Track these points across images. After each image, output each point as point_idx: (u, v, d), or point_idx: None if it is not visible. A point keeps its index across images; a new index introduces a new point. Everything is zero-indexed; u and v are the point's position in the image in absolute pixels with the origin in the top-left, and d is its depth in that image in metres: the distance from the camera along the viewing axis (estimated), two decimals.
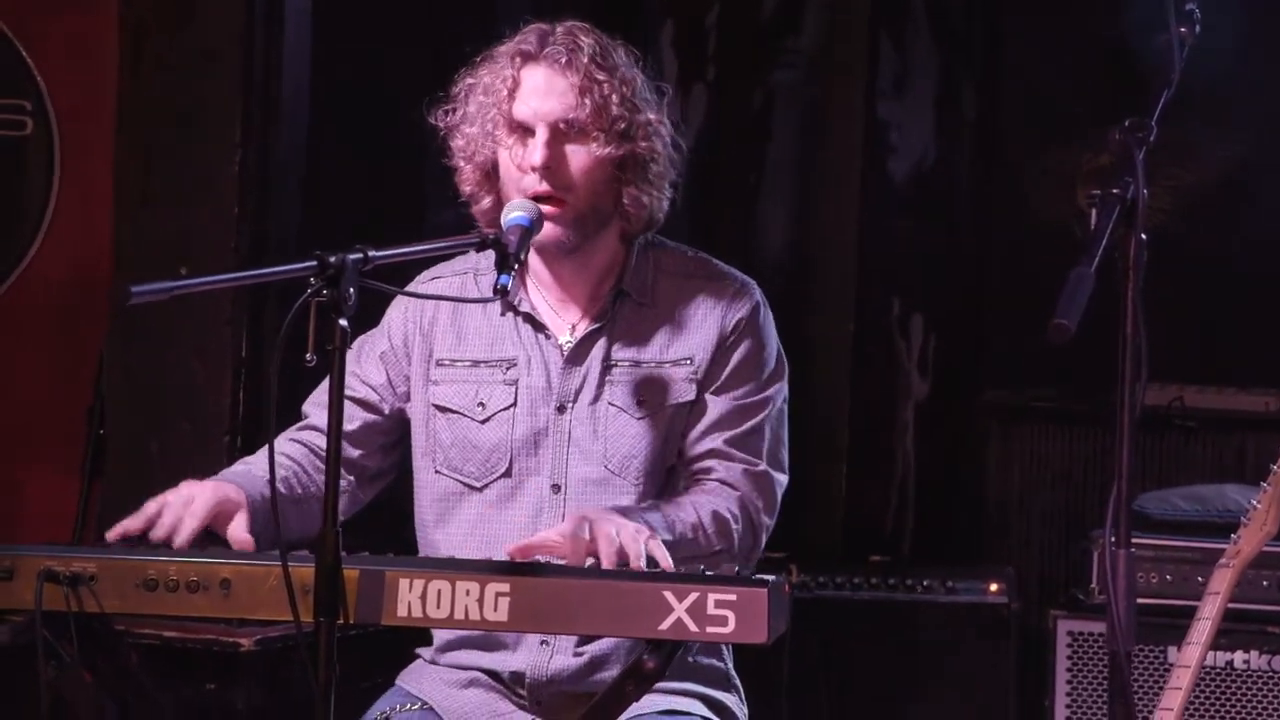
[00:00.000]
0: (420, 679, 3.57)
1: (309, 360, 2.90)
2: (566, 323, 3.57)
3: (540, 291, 3.59)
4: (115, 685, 3.39)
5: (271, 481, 3.13)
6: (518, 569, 3.12)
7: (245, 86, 4.72)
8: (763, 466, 3.54)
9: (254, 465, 3.51)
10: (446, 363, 3.58)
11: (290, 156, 4.83)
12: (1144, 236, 3.03)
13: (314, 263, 2.97)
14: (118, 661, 3.41)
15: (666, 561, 3.19)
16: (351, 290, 2.97)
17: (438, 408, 3.57)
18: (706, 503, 3.46)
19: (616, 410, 3.52)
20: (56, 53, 5.15)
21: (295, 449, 3.57)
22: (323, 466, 3.47)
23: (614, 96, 3.45)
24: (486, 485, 3.54)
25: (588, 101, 3.44)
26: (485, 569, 3.11)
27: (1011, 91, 6.53)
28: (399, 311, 3.63)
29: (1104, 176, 3.06)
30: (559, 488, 3.51)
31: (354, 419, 3.57)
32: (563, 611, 3.05)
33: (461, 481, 3.55)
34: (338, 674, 2.91)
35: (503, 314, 3.57)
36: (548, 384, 3.54)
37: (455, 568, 3.12)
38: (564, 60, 3.45)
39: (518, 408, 3.54)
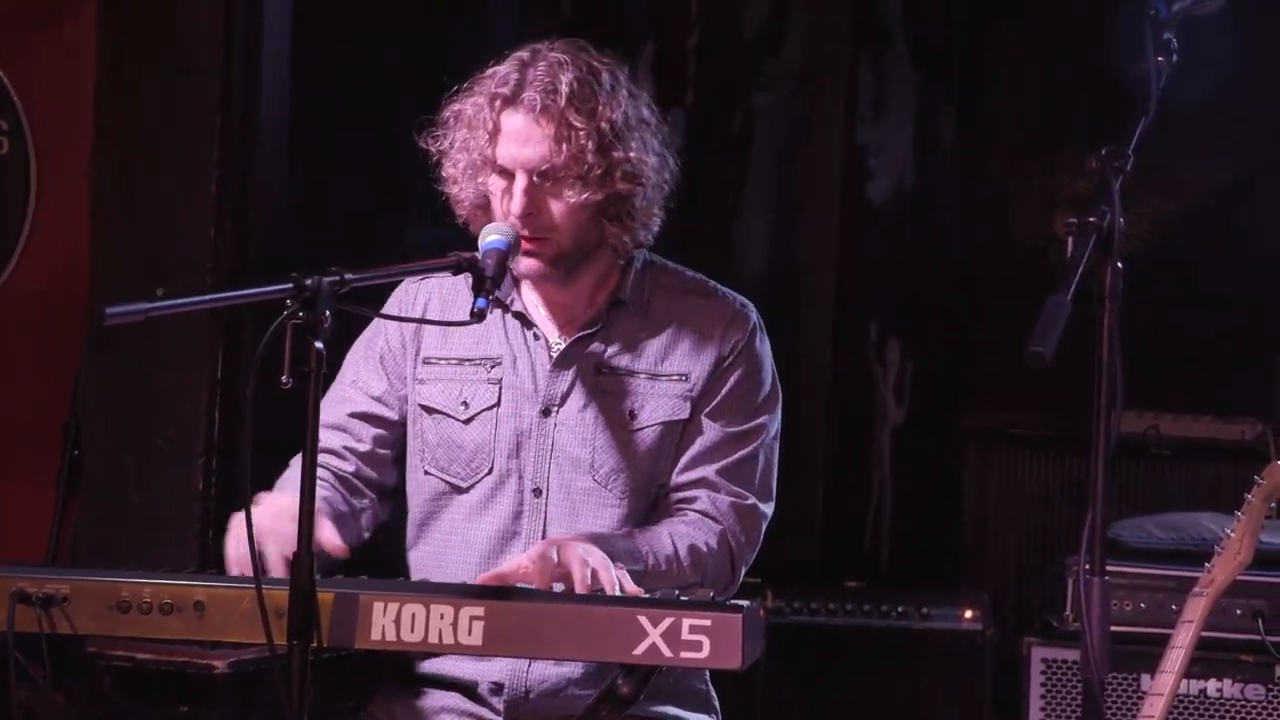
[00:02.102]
0: (391, 707, 3.57)
1: (285, 383, 2.90)
2: (557, 326, 3.58)
3: (532, 296, 3.60)
4: (87, 707, 3.38)
5: (246, 503, 3.10)
6: (492, 593, 3.12)
7: (223, 106, 4.72)
8: (751, 500, 3.54)
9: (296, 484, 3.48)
10: (433, 360, 3.59)
11: (268, 176, 4.83)
12: (1120, 265, 3.03)
13: (290, 285, 2.97)
14: (90, 683, 3.41)
15: (632, 591, 3.18)
16: (328, 313, 2.96)
17: (424, 408, 3.58)
18: (685, 534, 3.45)
19: (609, 421, 3.52)
20: (34, 72, 5.14)
21: (322, 471, 3.54)
22: (352, 490, 3.55)
23: (590, 143, 3.44)
24: (472, 486, 3.54)
25: (563, 149, 3.43)
26: (460, 593, 3.11)
27: (991, 114, 6.54)
28: (393, 309, 3.64)
29: (1081, 203, 3.07)
30: (540, 492, 3.51)
31: (364, 439, 3.60)
32: (537, 636, 3.05)
33: (448, 482, 3.56)
34: (311, 697, 2.90)
35: (490, 311, 3.57)
36: (534, 385, 3.54)
37: (430, 591, 3.12)
38: (538, 107, 3.44)
39: (501, 408, 3.55)
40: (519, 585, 3.20)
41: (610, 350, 3.55)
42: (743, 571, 3.55)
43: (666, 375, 3.54)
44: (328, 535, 3.31)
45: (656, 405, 3.53)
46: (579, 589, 3.18)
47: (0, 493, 5.13)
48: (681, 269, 3.66)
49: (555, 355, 3.55)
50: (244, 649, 4.31)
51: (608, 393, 3.53)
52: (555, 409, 3.53)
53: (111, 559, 3.36)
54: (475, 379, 3.56)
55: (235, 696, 4.45)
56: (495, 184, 3.49)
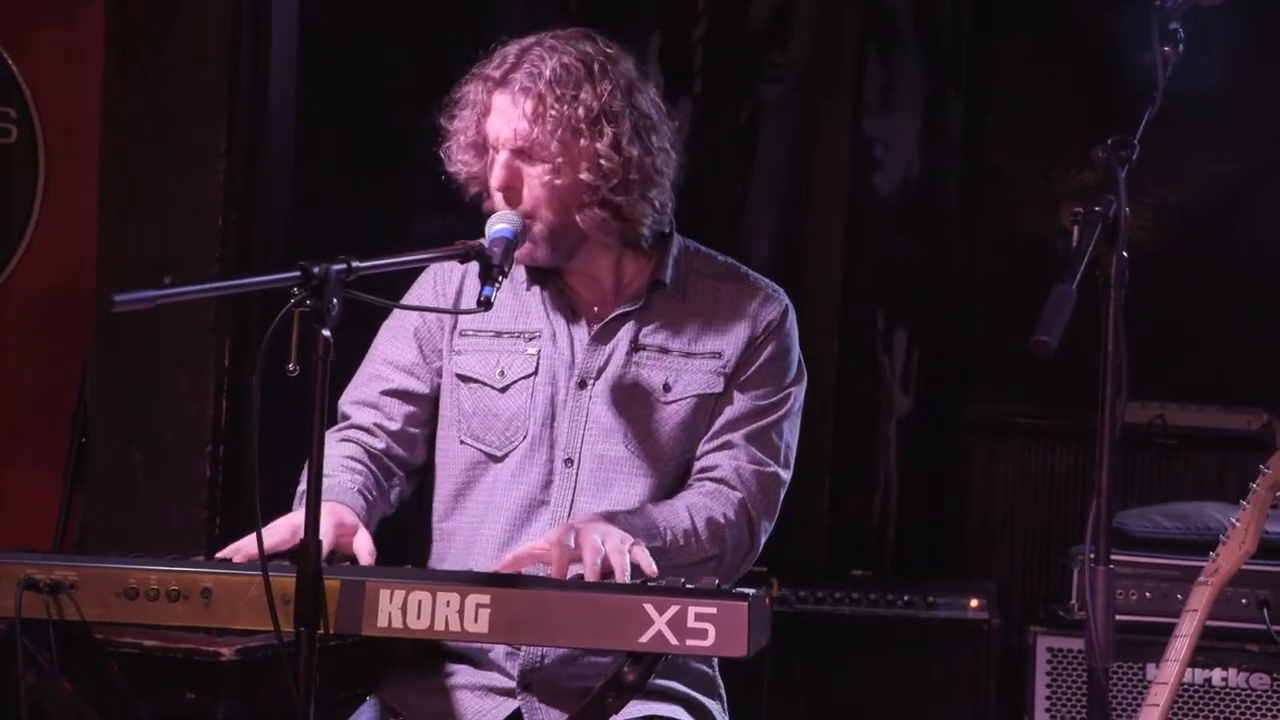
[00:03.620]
0: (401, 691, 3.57)
1: (292, 371, 2.91)
2: (596, 303, 3.61)
3: (569, 277, 3.62)
4: (95, 694, 3.38)
5: (253, 491, 3.11)
6: (498, 580, 3.12)
7: (231, 96, 4.71)
8: (773, 468, 3.57)
9: (335, 477, 3.49)
10: (470, 333, 3.62)
11: (276, 166, 4.82)
12: (1125, 254, 3.04)
13: (297, 273, 2.97)
14: (97, 670, 3.41)
15: (651, 568, 3.21)
16: (335, 301, 2.97)
17: (460, 377, 3.60)
18: (702, 506, 3.48)
19: (644, 391, 3.55)
20: (42, 61, 5.14)
21: (353, 449, 3.59)
22: (384, 470, 3.58)
23: (559, 128, 3.47)
24: (507, 454, 3.56)
25: (535, 129, 3.47)
26: (466, 580, 3.12)
27: (998, 106, 6.55)
28: (429, 285, 3.66)
29: (1088, 194, 3.08)
30: (571, 461, 3.53)
31: (394, 417, 3.62)
32: (543, 623, 3.05)
33: (484, 451, 3.57)
34: (318, 684, 2.91)
35: (529, 288, 3.60)
36: (571, 358, 3.57)
37: (436, 579, 3.12)
38: (518, 86, 3.49)
39: (538, 377, 3.57)
40: (529, 572, 3.21)
41: (648, 328, 3.60)
42: (763, 539, 3.58)
43: (701, 354, 3.58)
44: (365, 546, 3.35)
45: (691, 379, 3.57)
46: (589, 577, 3.19)
47: (7, 483, 5.14)
48: (713, 254, 3.71)
49: (594, 331, 3.59)
50: (251, 636, 4.32)
51: (644, 367, 3.57)
52: (591, 381, 3.57)
53: (118, 548, 3.35)
54: (513, 350, 3.59)
55: (242, 683, 4.47)
56: (486, 166, 3.54)
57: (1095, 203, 3.00)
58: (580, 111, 3.48)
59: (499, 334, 3.61)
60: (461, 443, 3.60)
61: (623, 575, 3.19)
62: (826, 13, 6.43)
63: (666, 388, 3.56)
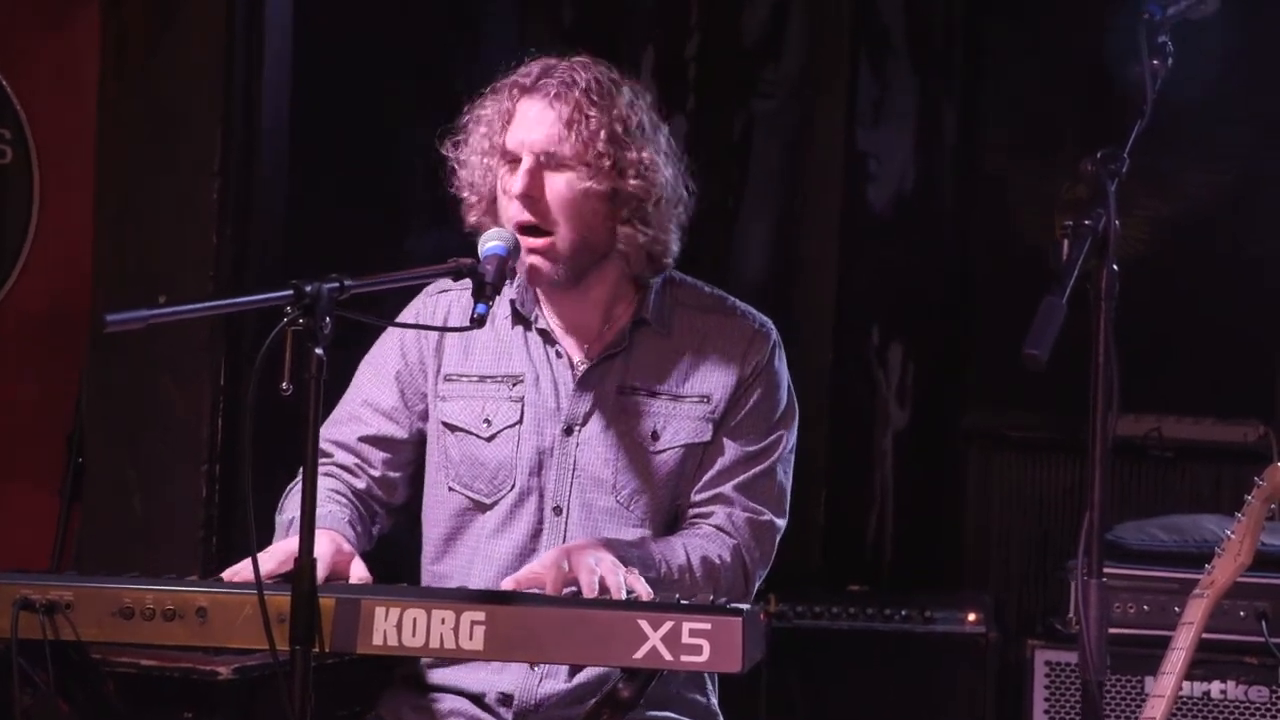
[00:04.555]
0: (399, 708, 3.57)
1: (285, 389, 2.91)
2: (579, 346, 3.58)
3: (553, 316, 3.60)
4: (91, 714, 3.38)
5: (249, 510, 3.10)
6: (493, 598, 3.12)
7: (225, 113, 4.72)
8: (767, 516, 3.55)
9: (325, 506, 3.48)
10: (454, 378, 3.59)
11: (271, 183, 4.83)
12: (1116, 268, 3.04)
13: (290, 292, 2.97)
14: (94, 690, 3.41)
15: (646, 593, 3.20)
16: (328, 319, 2.97)
17: (446, 425, 3.58)
18: (698, 546, 3.47)
19: (632, 442, 3.52)
20: (36, 81, 5.14)
21: (337, 484, 3.58)
22: (367, 508, 3.59)
23: (602, 131, 3.45)
24: (496, 502, 3.55)
25: (571, 134, 3.44)
26: (461, 597, 3.11)
27: (992, 116, 6.55)
28: (411, 321, 3.64)
29: (1080, 207, 3.08)
30: (560, 510, 3.52)
31: (374, 463, 3.61)
32: (538, 640, 3.05)
33: (472, 499, 3.56)
34: (314, 703, 2.91)
35: (513, 327, 3.58)
36: (556, 403, 3.55)
37: (431, 596, 3.12)
38: (554, 93, 3.46)
39: (523, 425, 3.55)
40: (526, 591, 3.21)
41: (633, 370, 3.56)
42: (757, 586, 3.57)
43: (688, 397, 3.54)
44: (361, 574, 3.36)
45: (679, 427, 3.53)
46: (586, 594, 3.19)
47: (3, 501, 5.13)
48: (699, 284, 3.65)
49: (579, 375, 3.55)
50: (247, 655, 4.31)
51: (630, 413, 3.53)
52: (578, 428, 3.54)
53: (115, 567, 3.36)
54: (497, 396, 3.56)
55: (239, 702, 4.46)
56: (504, 176, 3.50)
57: (1085, 216, 3.01)
58: (618, 125, 3.46)
59: (482, 379, 3.58)
60: (450, 489, 3.58)
61: (619, 593, 3.19)
62: (819, 25, 6.44)
63: (655, 435, 3.53)
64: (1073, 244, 2.98)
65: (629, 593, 3.20)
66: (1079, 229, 2.99)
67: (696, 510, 3.54)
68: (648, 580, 3.28)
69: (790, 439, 3.61)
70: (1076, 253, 2.97)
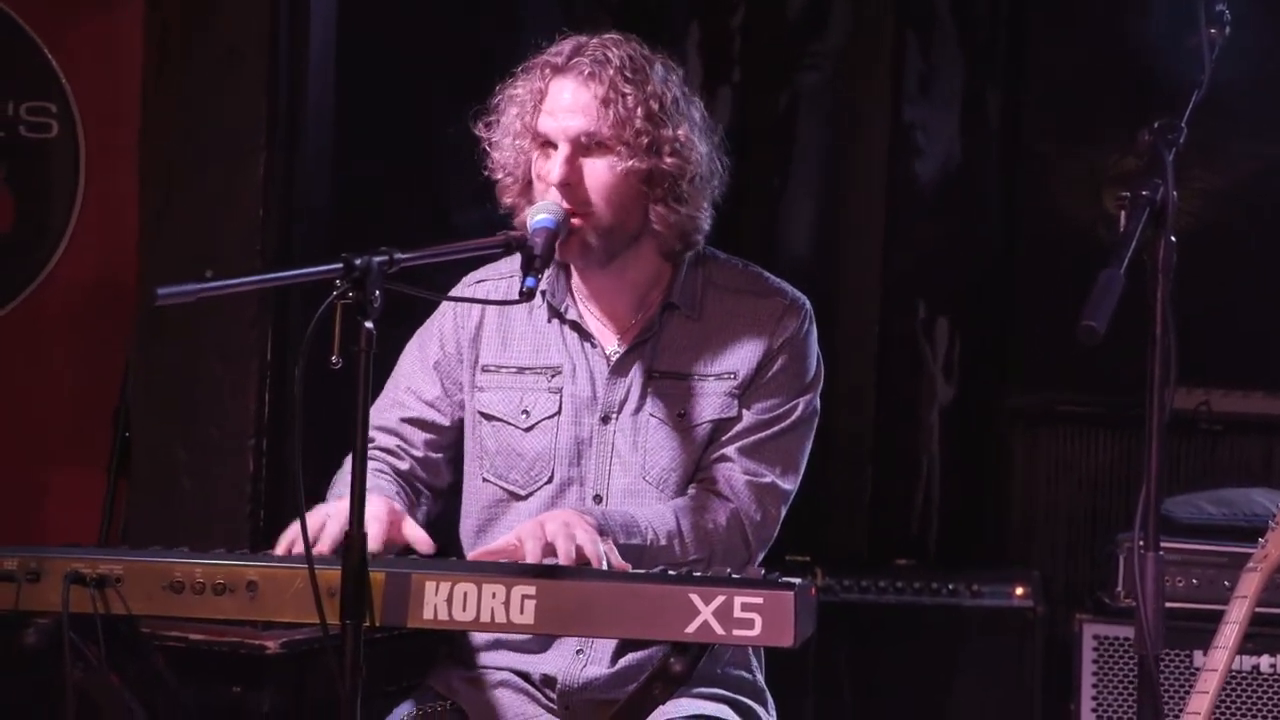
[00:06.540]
0: (449, 679, 3.57)
1: (335, 363, 2.90)
2: (613, 333, 3.56)
3: (585, 304, 3.58)
4: (142, 688, 3.39)
5: (297, 484, 3.10)
6: (544, 572, 3.11)
7: (270, 89, 4.71)
8: (770, 479, 3.51)
9: (373, 480, 3.46)
10: (492, 369, 3.58)
11: (315, 159, 4.82)
12: (1173, 239, 3.02)
13: (339, 265, 2.97)
14: (144, 664, 3.41)
15: (618, 563, 3.20)
16: (377, 293, 2.97)
17: (483, 415, 3.57)
18: (688, 509, 3.45)
19: (657, 422, 3.51)
20: (82, 56, 5.15)
21: (382, 465, 3.57)
22: (413, 489, 3.57)
23: (638, 110, 3.42)
24: (531, 494, 3.53)
25: (609, 114, 3.42)
26: (511, 571, 3.11)
27: (1037, 93, 6.51)
28: (449, 319, 3.62)
29: (1130, 180, 3.05)
30: (601, 498, 3.51)
31: (416, 445, 3.60)
32: (589, 614, 3.05)
33: (507, 490, 3.55)
34: (364, 677, 2.91)
35: (549, 320, 3.56)
36: (593, 393, 3.53)
37: (481, 570, 3.11)
38: (588, 72, 3.44)
39: (562, 416, 3.53)
40: (555, 564, 3.20)
41: (664, 355, 3.54)
42: (760, 549, 3.54)
43: (715, 375, 3.53)
44: (420, 535, 3.34)
45: (707, 403, 3.52)
46: (563, 562, 3.17)
47: (52, 478, 5.15)
48: (734, 261, 3.63)
49: (612, 363, 3.54)
50: (296, 629, 4.33)
51: (662, 396, 3.52)
52: (614, 416, 3.52)
53: (164, 542, 3.36)
54: (536, 388, 3.55)
55: (288, 676, 4.48)
56: (538, 159, 3.48)
57: (1142, 186, 2.98)
58: (653, 101, 3.44)
59: (521, 370, 3.57)
60: (484, 480, 3.57)
61: (598, 563, 3.18)
62: (863, 1, 6.42)
63: (685, 416, 3.51)
64: (1130, 215, 2.96)
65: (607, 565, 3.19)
66: (1136, 199, 2.97)
67: (701, 474, 3.52)
68: (633, 549, 3.28)
69: (809, 404, 3.57)
70: (1134, 224, 2.94)
